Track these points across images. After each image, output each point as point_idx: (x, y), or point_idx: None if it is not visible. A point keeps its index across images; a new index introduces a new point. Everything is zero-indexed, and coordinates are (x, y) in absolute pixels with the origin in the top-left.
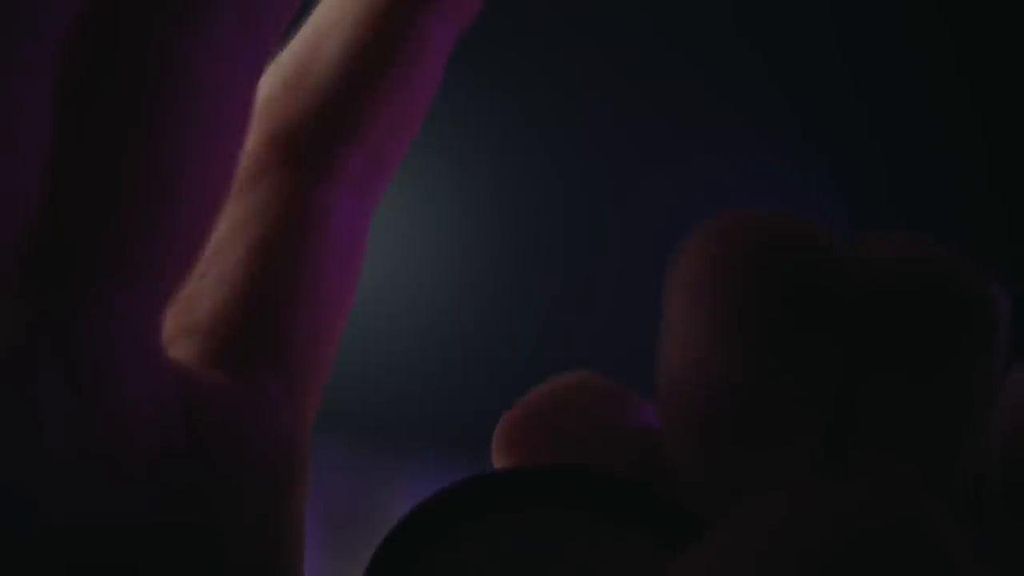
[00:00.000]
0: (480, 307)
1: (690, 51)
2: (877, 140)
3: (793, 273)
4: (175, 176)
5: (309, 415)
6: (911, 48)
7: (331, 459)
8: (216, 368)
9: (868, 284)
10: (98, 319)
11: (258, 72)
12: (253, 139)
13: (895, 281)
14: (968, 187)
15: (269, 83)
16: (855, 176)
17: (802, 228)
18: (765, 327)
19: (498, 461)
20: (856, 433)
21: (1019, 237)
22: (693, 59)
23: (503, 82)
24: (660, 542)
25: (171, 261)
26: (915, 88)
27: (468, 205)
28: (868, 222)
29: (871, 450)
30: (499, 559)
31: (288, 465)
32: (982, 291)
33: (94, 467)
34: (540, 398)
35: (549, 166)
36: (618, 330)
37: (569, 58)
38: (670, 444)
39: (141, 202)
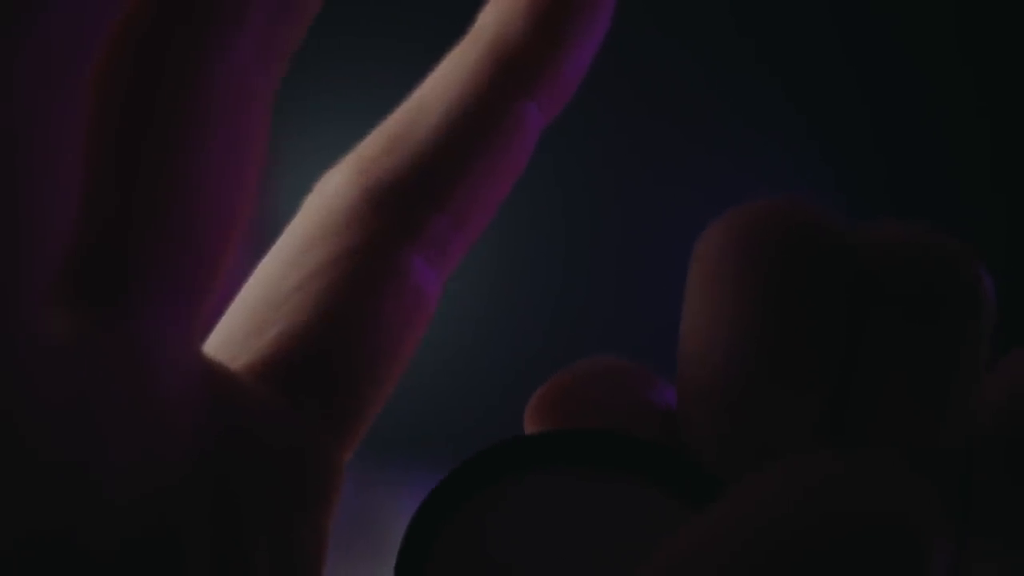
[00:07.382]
0: (483, 313)
1: (690, 50)
2: (877, 141)
3: (806, 247)
4: (200, 187)
5: (348, 449)
6: (911, 48)
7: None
8: (266, 383)
9: (870, 257)
10: (134, 322)
11: (269, 96)
12: (353, 191)
13: (894, 252)
14: (968, 188)
15: (375, 142)
16: (855, 177)
17: (812, 211)
18: (783, 296)
19: (530, 430)
20: (856, 402)
21: (1019, 237)
22: (692, 58)
23: None
24: (683, 502)
25: (197, 271)
26: (916, 89)
27: None
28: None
29: (870, 416)
30: (537, 511)
31: (314, 484)
32: (968, 258)
33: (138, 443)
34: (571, 374)
35: (547, 167)
36: (621, 332)
37: None
38: (688, 417)
39: (168, 213)
